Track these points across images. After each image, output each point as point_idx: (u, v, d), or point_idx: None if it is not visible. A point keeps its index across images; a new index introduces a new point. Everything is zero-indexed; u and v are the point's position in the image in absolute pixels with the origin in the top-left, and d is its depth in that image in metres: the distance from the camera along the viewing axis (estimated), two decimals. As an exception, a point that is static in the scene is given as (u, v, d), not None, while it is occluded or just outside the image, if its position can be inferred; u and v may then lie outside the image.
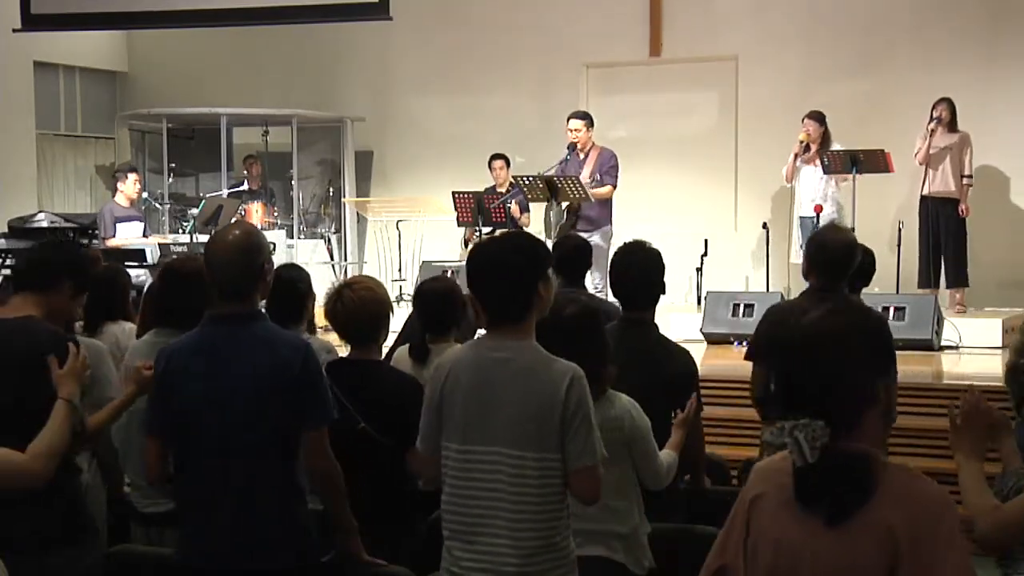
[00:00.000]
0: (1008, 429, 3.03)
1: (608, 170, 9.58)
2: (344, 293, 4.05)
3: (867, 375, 2.30)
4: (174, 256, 9.77)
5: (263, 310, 3.68)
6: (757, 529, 2.36)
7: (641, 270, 4.53)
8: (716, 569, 2.43)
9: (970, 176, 9.98)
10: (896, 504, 2.22)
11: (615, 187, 9.61)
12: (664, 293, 4.59)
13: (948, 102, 9.99)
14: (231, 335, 3.46)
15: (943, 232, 10.03)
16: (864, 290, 7.14)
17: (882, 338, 2.37)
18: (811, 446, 2.24)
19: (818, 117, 10.23)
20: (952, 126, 9.99)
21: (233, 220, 11.41)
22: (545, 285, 3.25)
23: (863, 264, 5.15)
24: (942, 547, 2.19)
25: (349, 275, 10.22)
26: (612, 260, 4.73)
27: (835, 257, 4.80)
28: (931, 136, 9.94)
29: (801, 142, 10.21)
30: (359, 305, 4.00)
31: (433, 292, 4.86)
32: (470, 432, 3.19)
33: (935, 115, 9.97)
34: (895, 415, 2.40)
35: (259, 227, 9.23)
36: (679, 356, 4.44)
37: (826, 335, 2.31)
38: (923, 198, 10.11)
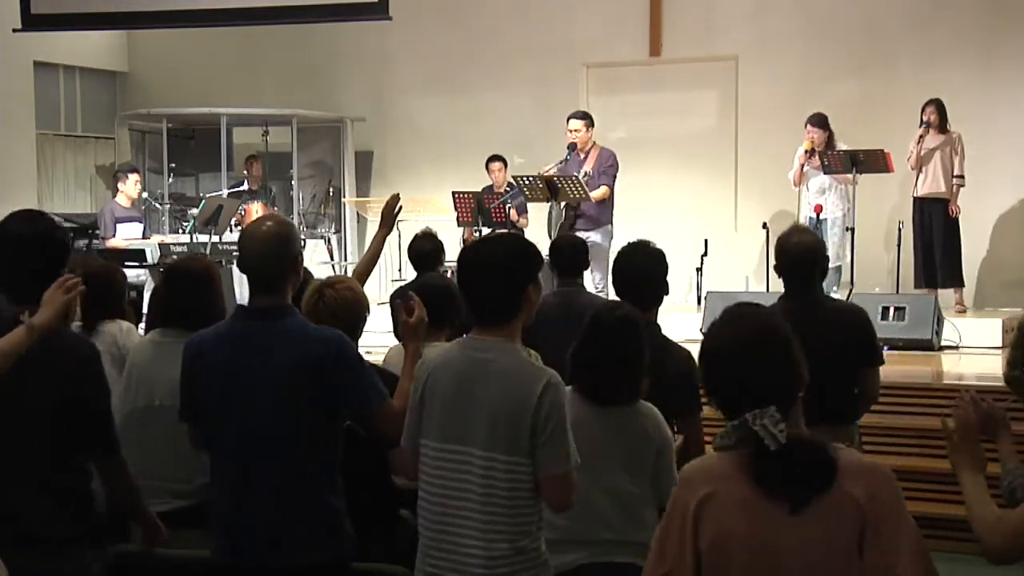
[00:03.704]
0: (1006, 426, 3.02)
1: (605, 170, 9.56)
2: (326, 292, 4.04)
3: (798, 365, 2.50)
4: (174, 256, 9.78)
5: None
6: (716, 530, 2.39)
7: (644, 270, 4.52)
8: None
9: (961, 176, 9.97)
10: (854, 479, 2.38)
11: (612, 187, 9.58)
12: (668, 294, 4.59)
13: (937, 103, 9.98)
14: (261, 330, 3.44)
15: (935, 233, 10.03)
16: (865, 290, 7.15)
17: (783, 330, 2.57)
18: (778, 431, 2.37)
19: (821, 123, 10.17)
20: (942, 127, 9.98)
21: (232, 215, 11.41)
22: (534, 288, 3.25)
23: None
24: (900, 515, 2.41)
25: (348, 275, 10.22)
26: (615, 260, 4.73)
27: (795, 259, 4.83)
28: (920, 139, 9.94)
29: (807, 151, 10.17)
30: (340, 304, 4.00)
31: (429, 288, 4.87)
32: (444, 430, 3.20)
33: (924, 118, 9.97)
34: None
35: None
36: (679, 357, 4.43)
37: (765, 332, 2.51)
38: (915, 199, 10.12)
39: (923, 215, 10.08)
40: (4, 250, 3.44)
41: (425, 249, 6.48)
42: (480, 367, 3.18)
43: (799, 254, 4.83)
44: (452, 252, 12.10)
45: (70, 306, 3.35)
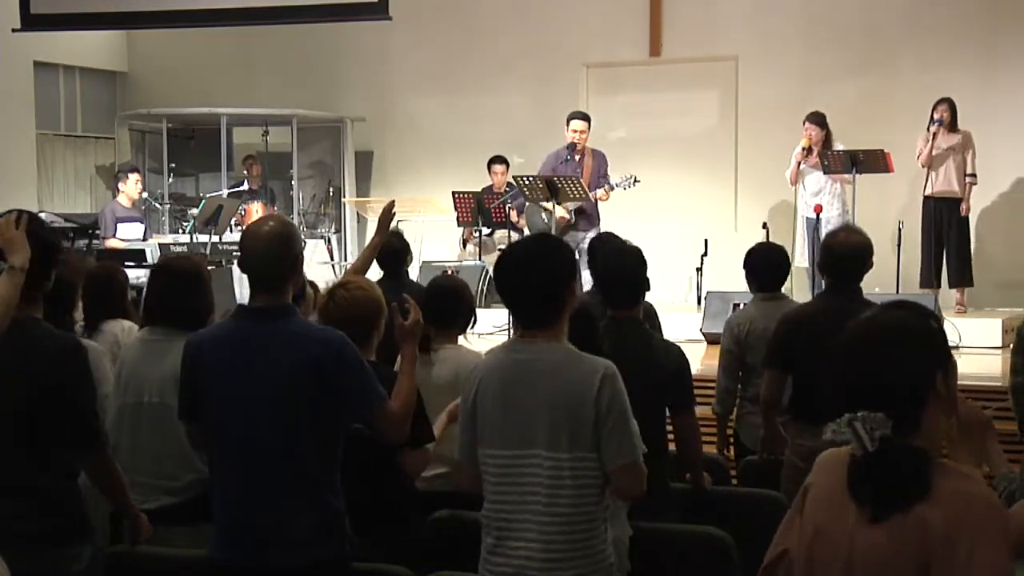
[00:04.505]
0: (992, 430, 3.01)
1: (606, 172, 9.79)
2: (337, 293, 4.02)
3: (925, 368, 2.32)
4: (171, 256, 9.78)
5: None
6: (806, 516, 2.40)
7: (623, 270, 4.54)
8: (779, 553, 2.46)
9: (973, 175, 9.97)
10: (939, 504, 2.24)
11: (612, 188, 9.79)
12: (649, 290, 4.60)
13: (949, 102, 9.96)
14: (262, 331, 3.43)
15: (947, 232, 10.02)
16: (866, 290, 7.04)
17: (935, 331, 2.39)
18: (870, 436, 2.26)
19: (819, 120, 10.19)
20: (953, 126, 9.96)
21: (228, 214, 11.42)
22: (576, 285, 3.27)
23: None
24: (976, 551, 2.21)
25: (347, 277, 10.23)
26: (597, 260, 4.75)
27: (842, 258, 4.83)
28: (933, 137, 9.93)
29: (804, 148, 10.17)
30: (352, 304, 3.96)
31: (444, 287, 4.90)
32: (504, 436, 3.19)
33: (936, 116, 9.93)
34: (956, 406, 2.45)
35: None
36: (670, 353, 4.44)
37: (884, 331, 2.34)
38: (926, 198, 10.10)
39: (934, 215, 10.07)
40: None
41: (393, 248, 6.48)
42: (529, 368, 3.18)
43: (844, 252, 4.83)
44: (452, 252, 12.16)
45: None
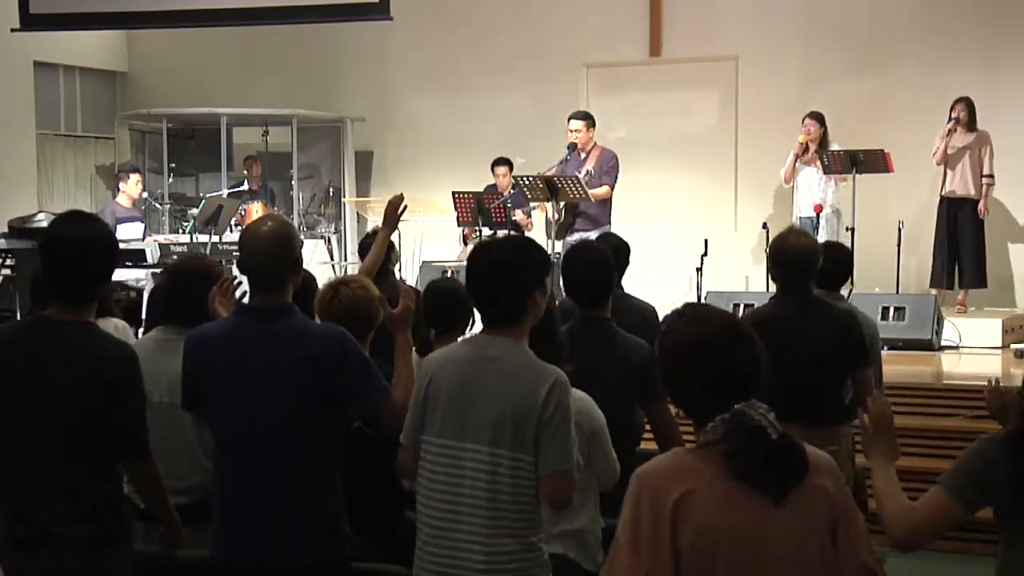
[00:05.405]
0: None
1: (607, 170, 9.59)
2: (340, 290, 4.06)
3: (765, 358, 2.55)
4: (175, 256, 9.78)
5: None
6: (699, 527, 2.40)
7: (588, 269, 4.56)
8: None
9: (991, 176, 9.96)
10: (821, 472, 2.48)
11: (613, 187, 9.59)
12: (612, 290, 4.63)
13: (967, 101, 9.95)
14: (261, 330, 3.45)
15: (962, 233, 10.00)
16: (865, 290, 7.11)
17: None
18: (773, 420, 2.44)
19: (818, 117, 10.22)
20: (971, 126, 9.95)
21: (228, 214, 11.43)
22: (541, 292, 3.29)
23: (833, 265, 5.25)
24: (854, 504, 2.53)
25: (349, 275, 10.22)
26: (562, 261, 4.79)
27: (794, 261, 4.86)
28: (949, 136, 9.91)
29: (801, 143, 10.19)
30: (354, 302, 4.00)
31: (443, 289, 4.92)
32: (449, 427, 3.21)
33: (953, 115, 9.92)
34: None
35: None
36: (636, 349, 4.44)
37: (736, 329, 2.55)
38: (942, 198, 10.08)
39: (950, 215, 10.05)
40: (60, 253, 3.43)
41: None
42: (486, 365, 3.22)
43: (795, 255, 4.86)
44: (452, 252, 12.14)
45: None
